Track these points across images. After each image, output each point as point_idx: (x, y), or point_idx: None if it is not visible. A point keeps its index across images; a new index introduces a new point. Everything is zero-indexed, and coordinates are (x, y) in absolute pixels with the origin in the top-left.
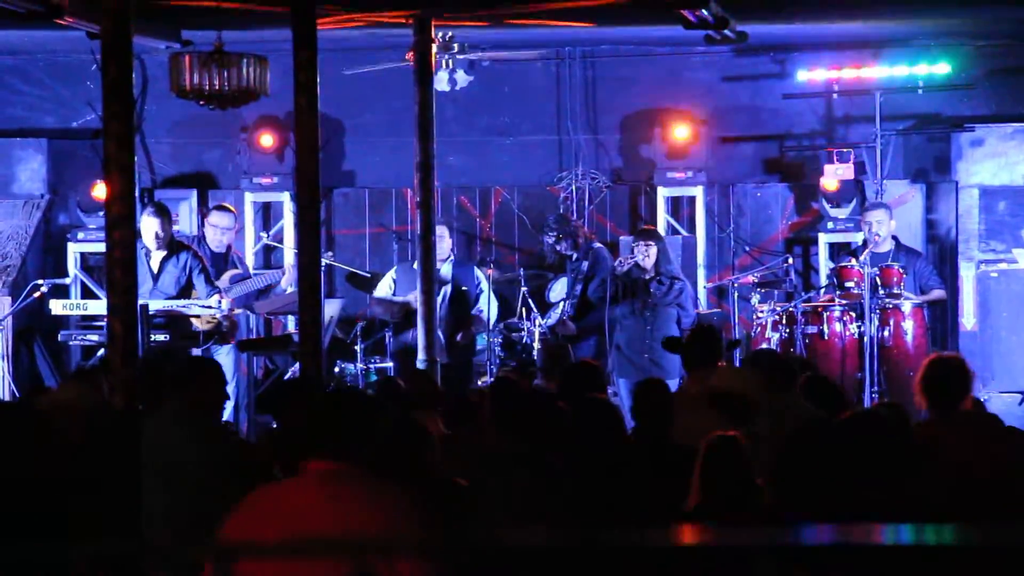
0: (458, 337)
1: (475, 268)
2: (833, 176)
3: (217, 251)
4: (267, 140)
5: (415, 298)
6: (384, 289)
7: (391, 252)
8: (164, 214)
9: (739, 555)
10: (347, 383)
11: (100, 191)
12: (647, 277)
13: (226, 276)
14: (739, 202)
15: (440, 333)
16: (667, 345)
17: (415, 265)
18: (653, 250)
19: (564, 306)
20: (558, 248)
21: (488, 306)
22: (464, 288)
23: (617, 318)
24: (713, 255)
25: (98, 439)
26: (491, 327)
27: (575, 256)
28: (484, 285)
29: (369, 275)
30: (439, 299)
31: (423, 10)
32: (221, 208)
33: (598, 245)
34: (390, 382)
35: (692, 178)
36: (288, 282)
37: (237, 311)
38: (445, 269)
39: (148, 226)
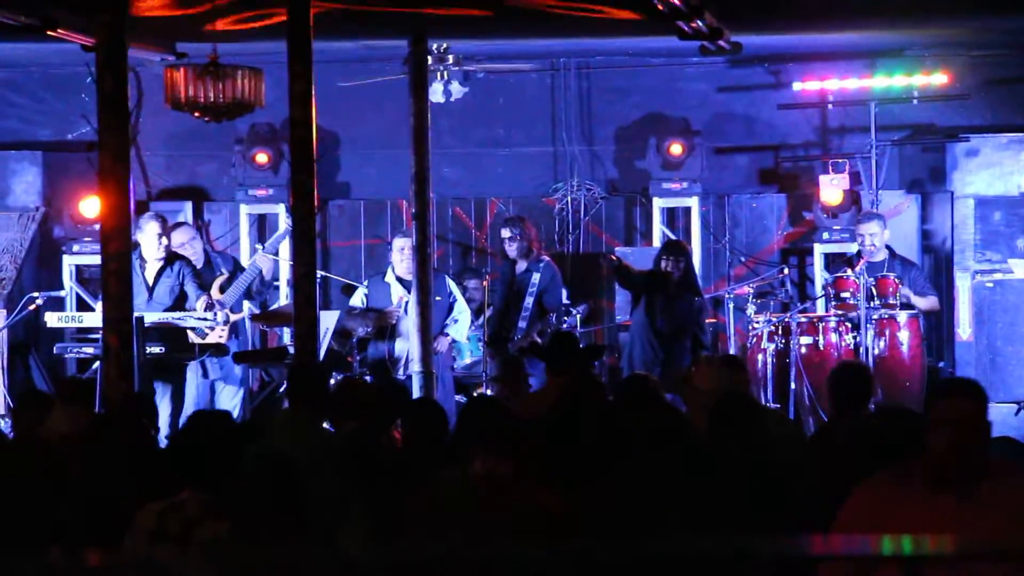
0: (435, 345)
1: (446, 277)
2: (830, 186)
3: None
4: (262, 153)
5: (393, 309)
6: (357, 304)
7: (386, 264)
8: (164, 221)
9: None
10: None
11: (88, 207)
12: (670, 291)
13: (215, 285)
14: (734, 213)
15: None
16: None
17: (385, 278)
18: (683, 265)
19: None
20: (509, 247)
21: (462, 315)
22: (437, 298)
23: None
24: (708, 266)
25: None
26: (466, 337)
27: (524, 266)
28: (456, 294)
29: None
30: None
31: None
32: (177, 226)
33: (548, 259)
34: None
35: (687, 189)
36: (268, 271)
37: (235, 317)
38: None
39: (151, 230)
